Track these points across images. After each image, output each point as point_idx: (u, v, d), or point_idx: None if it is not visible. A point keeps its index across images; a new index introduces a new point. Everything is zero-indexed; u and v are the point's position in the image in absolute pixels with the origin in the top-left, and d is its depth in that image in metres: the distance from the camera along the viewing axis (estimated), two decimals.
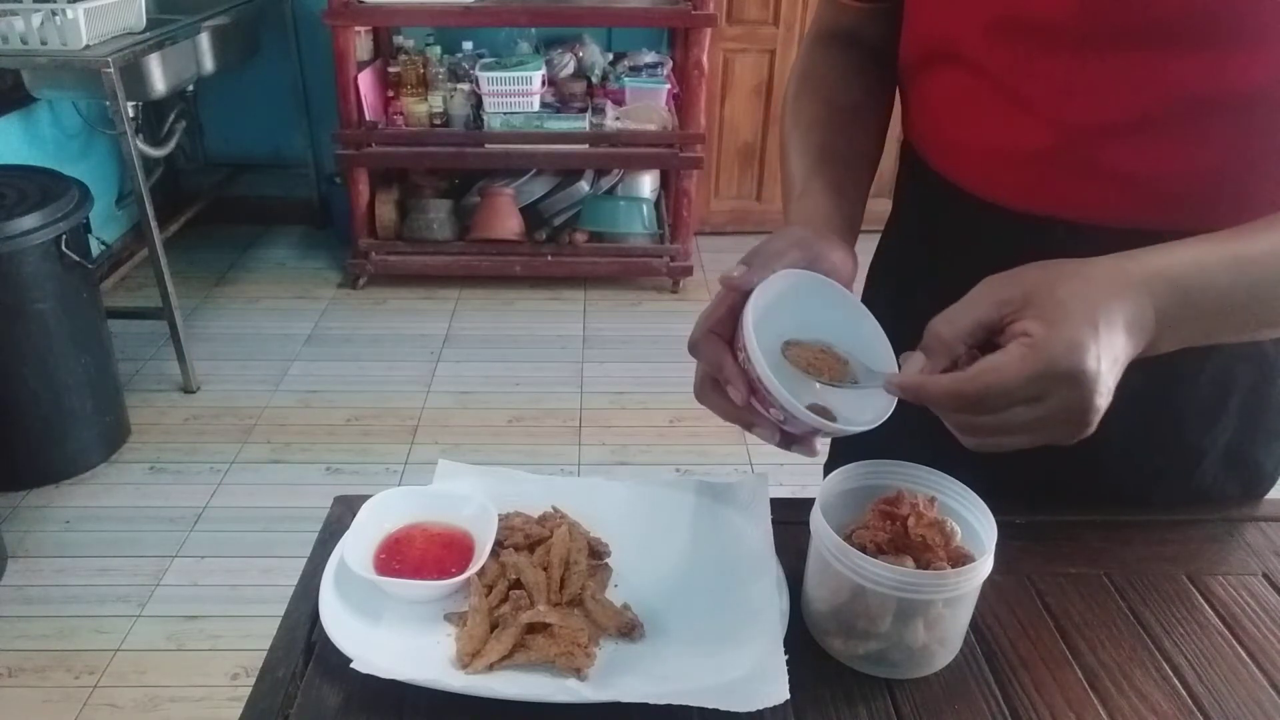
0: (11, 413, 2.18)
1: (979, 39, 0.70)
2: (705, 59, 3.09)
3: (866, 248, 0.96)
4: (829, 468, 0.71)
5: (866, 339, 0.64)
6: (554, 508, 0.76)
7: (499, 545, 0.71)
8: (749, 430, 0.62)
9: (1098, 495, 0.79)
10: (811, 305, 0.63)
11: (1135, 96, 0.65)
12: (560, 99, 3.17)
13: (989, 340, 0.56)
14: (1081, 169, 0.69)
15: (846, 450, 0.79)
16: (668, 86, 3.18)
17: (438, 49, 3.14)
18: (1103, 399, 0.52)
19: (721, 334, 0.61)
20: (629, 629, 0.65)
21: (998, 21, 0.68)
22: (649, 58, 3.33)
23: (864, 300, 0.96)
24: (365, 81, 3.07)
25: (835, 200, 0.73)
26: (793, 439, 0.62)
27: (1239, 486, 0.82)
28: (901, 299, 0.89)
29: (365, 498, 0.74)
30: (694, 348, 0.62)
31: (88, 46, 2.29)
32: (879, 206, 0.81)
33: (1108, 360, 0.52)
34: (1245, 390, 0.77)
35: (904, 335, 0.89)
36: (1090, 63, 0.65)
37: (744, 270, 0.60)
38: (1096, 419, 0.53)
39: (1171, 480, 0.80)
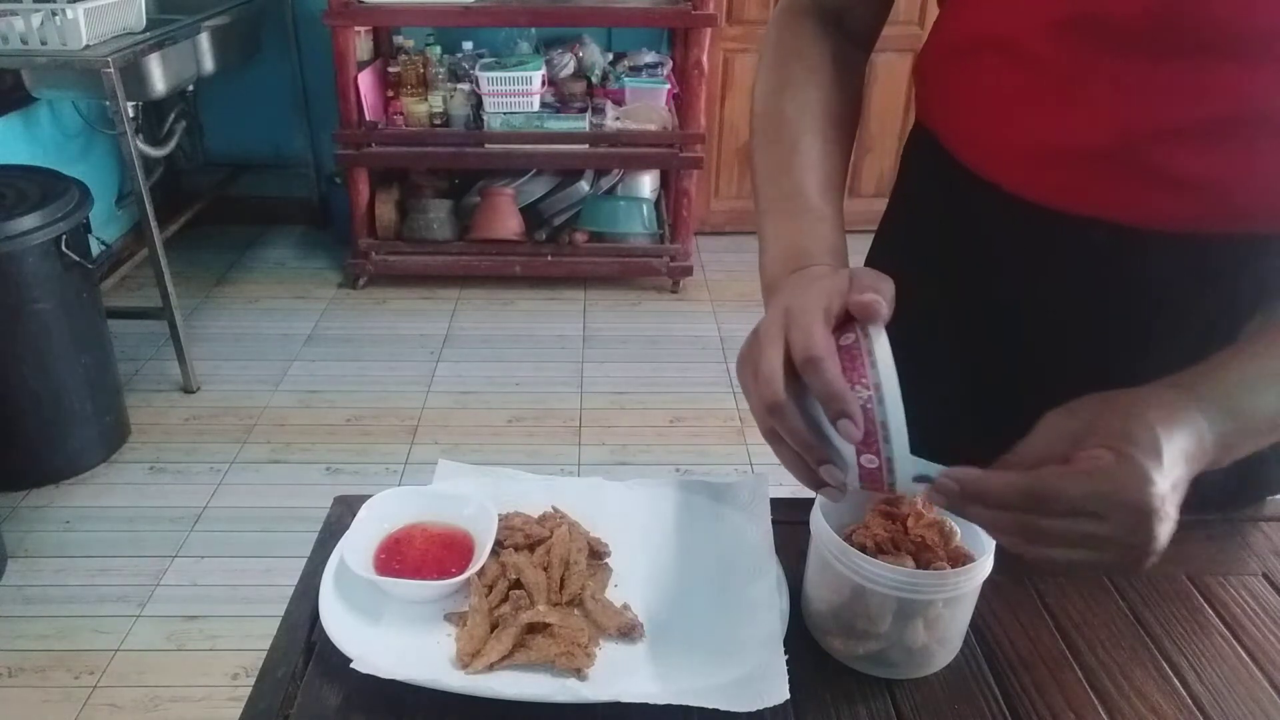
0: (11, 413, 2.18)
1: (1042, 34, 0.67)
2: (705, 59, 3.09)
3: (860, 246, 0.94)
4: None
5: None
6: (554, 508, 0.76)
7: (499, 545, 0.71)
8: (817, 465, 0.56)
9: None
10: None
11: (1204, 104, 0.64)
12: (560, 99, 3.17)
13: None
14: (1137, 171, 0.67)
15: None
16: (668, 86, 3.18)
17: (438, 49, 3.14)
18: (1165, 529, 0.52)
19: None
20: (629, 629, 0.65)
21: (1068, 19, 0.66)
22: (649, 58, 3.33)
23: None
24: (365, 81, 3.07)
25: (842, 232, 0.70)
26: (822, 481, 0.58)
27: (1240, 486, 0.81)
28: (912, 319, 0.86)
29: (365, 498, 0.74)
30: (811, 367, 0.54)
31: (88, 46, 2.28)
32: (868, 205, 0.79)
33: (1171, 490, 0.52)
34: None
35: (916, 363, 0.86)
36: (1161, 67, 0.64)
37: (884, 303, 0.56)
38: (1160, 548, 0.53)
39: None
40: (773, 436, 0.58)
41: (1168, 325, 0.73)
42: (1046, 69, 0.68)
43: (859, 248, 0.91)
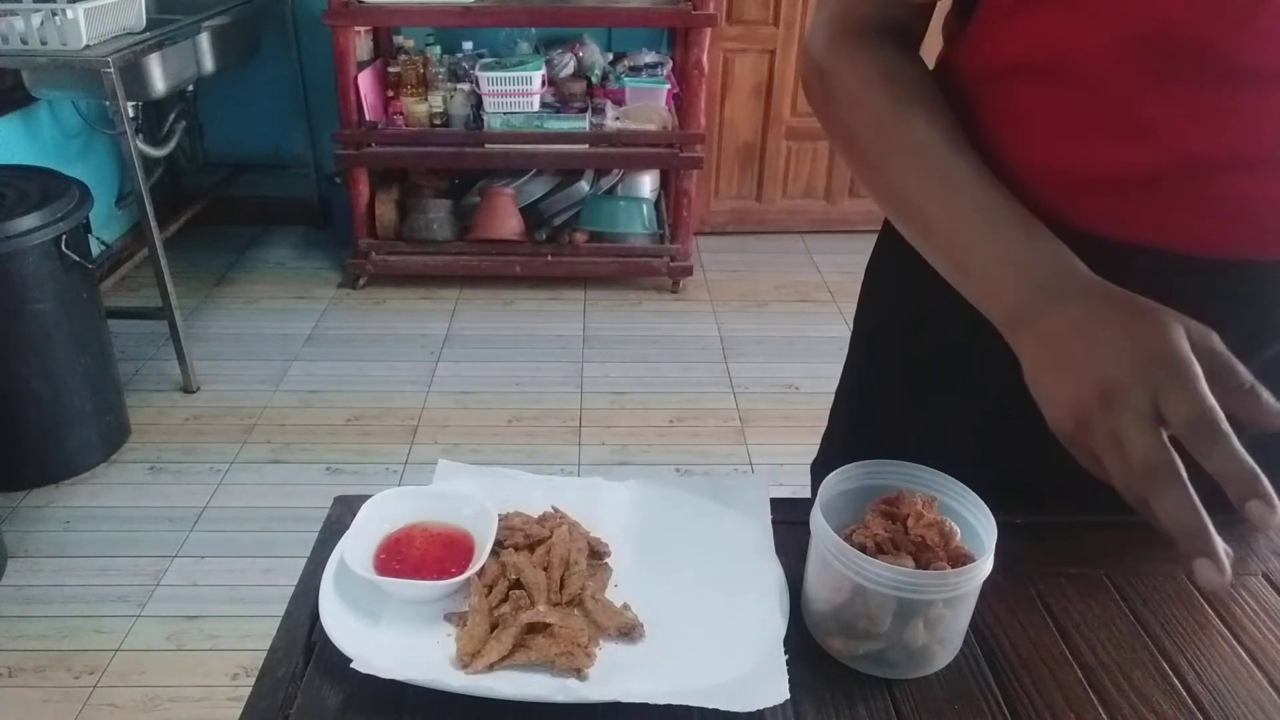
0: (11, 413, 2.18)
1: (1103, 54, 0.63)
2: (705, 59, 3.09)
3: (861, 246, 0.94)
4: (826, 468, 0.70)
5: None
6: (554, 508, 0.76)
7: (499, 545, 0.71)
8: (1192, 557, 0.52)
9: (1099, 495, 0.78)
10: None
11: (1272, 131, 0.62)
12: (560, 99, 3.17)
13: None
14: (1190, 199, 0.65)
15: (847, 451, 0.78)
16: (668, 86, 3.18)
17: (438, 49, 3.14)
18: None
19: None
20: (629, 629, 0.65)
21: (1140, 37, 0.61)
22: (649, 58, 3.33)
23: (865, 315, 0.92)
24: (365, 81, 3.07)
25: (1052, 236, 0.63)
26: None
27: None
28: (917, 319, 0.83)
29: (365, 498, 0.74)
30: (1208, 430, 0.51)
31: (88, 46, 2.28)
32: (870, 205, 0.77)
33: None
34: None
35: (918, 364, 0.83)
36: (1233, 94, 0.61)
37: None
38: None
39: None
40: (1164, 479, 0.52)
41: None
42: (1099, 91, 0.64)
43: (863, 248, 0.91)
